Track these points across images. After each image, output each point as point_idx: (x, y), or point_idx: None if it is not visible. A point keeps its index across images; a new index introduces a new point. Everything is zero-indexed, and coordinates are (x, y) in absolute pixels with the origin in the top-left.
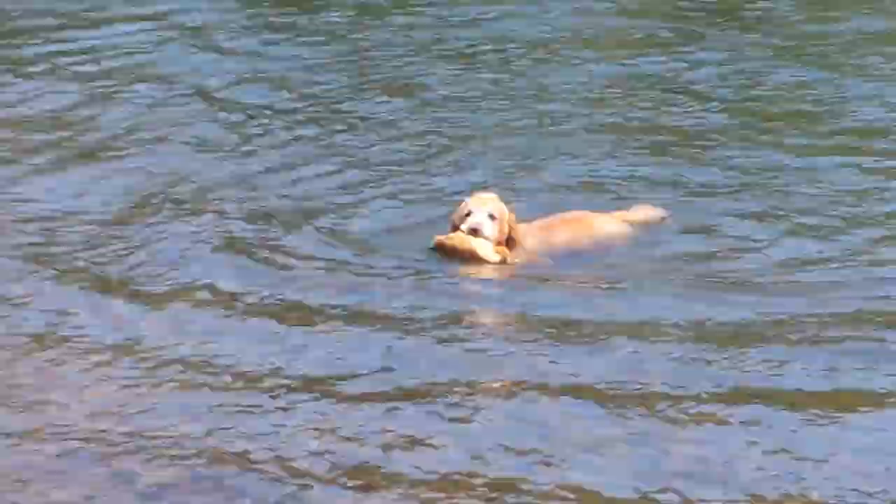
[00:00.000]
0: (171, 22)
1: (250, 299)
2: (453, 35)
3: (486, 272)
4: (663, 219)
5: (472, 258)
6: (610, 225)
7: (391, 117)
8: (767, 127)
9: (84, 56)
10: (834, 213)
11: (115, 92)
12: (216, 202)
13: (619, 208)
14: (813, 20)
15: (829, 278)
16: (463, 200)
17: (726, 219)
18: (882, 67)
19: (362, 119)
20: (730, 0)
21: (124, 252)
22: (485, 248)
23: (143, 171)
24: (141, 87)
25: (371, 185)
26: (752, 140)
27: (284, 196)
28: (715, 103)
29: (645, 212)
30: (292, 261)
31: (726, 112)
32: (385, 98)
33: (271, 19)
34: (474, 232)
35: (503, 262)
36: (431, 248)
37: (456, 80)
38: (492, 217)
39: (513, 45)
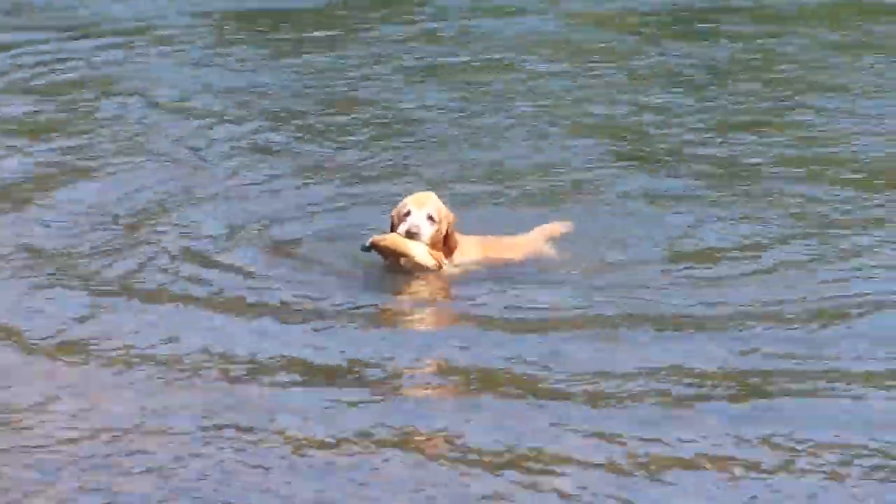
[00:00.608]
0: (137, 34)
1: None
2: (415, 50)
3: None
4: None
5: (405, 261)
6: (538, 245)
7: (351, 129)
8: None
9: (46, 67)
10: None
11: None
12: (172, 214)
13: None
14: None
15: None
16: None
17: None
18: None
19: (322, 131)
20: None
21: (85, 261)
22: (420, 253)
23: (103, 184)
24: (106, 100)
25: (329, 194)
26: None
27: (240, 206)
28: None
29: (556, 228)
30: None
31: (681, 124)
32: (344, 110)
33: (235, 36)
34: (411, 235)
35: (438, 268)
36: (367, 248)
37: (418, 96)
38: (430, 218)
39: (472, 59)
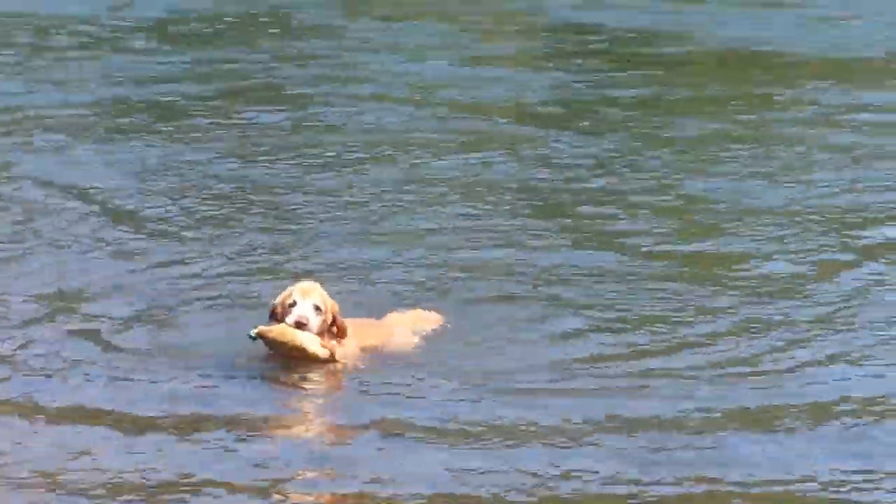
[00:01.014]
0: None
1: None
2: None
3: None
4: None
5: (298, 353)
6: (406, 332)
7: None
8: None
9: None
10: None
11: None
12: None
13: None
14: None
15: None
16: (285, 288)
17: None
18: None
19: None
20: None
21: None
22: (313, 343)
23: None
24: None
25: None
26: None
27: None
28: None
29: (426, 317)
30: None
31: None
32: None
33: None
34: (300, 325)
35: (331, 357)
36: (253, 338)
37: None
38: (317, 308)
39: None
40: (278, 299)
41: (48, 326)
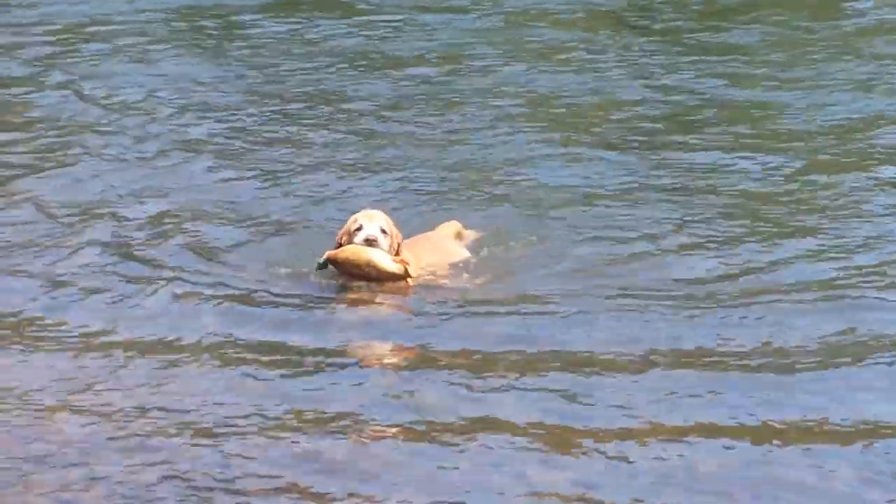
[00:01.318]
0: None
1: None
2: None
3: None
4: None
5: (369, 270)
6: (456, 246)
7: (303, 129)
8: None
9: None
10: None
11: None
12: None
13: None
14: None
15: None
16: (351, 217)
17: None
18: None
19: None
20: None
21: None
22: (384, 259)
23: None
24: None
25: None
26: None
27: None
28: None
29: (457, 227)
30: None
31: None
32: (300, 110)
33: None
34: (370, 243)
35: (405, 273)
36: (322, 265)
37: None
38: (383, 231)
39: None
40: (343, 228)
41: (118, 250)
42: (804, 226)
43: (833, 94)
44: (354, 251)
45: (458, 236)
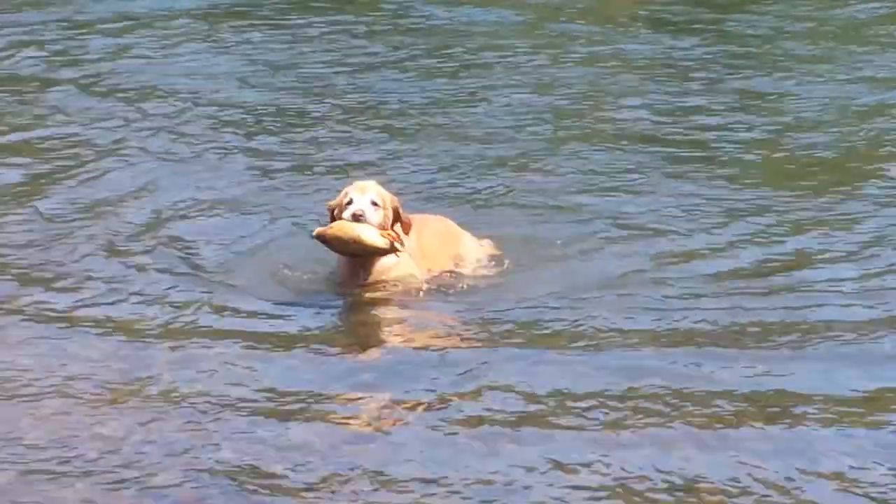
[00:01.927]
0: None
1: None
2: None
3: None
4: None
5: (356, 245)
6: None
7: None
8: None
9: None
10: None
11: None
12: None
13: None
14: None
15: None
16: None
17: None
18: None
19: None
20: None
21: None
22: (370, 234)
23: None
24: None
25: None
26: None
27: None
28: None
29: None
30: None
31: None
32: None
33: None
34: (357, 218)
35: (392, 248)
36: (313, 238)
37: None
38: (374, 204)
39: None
40: (335, 200)
41: (143, 241)
42: (841, 216)
43: (865, 82)
44: (341, 227)
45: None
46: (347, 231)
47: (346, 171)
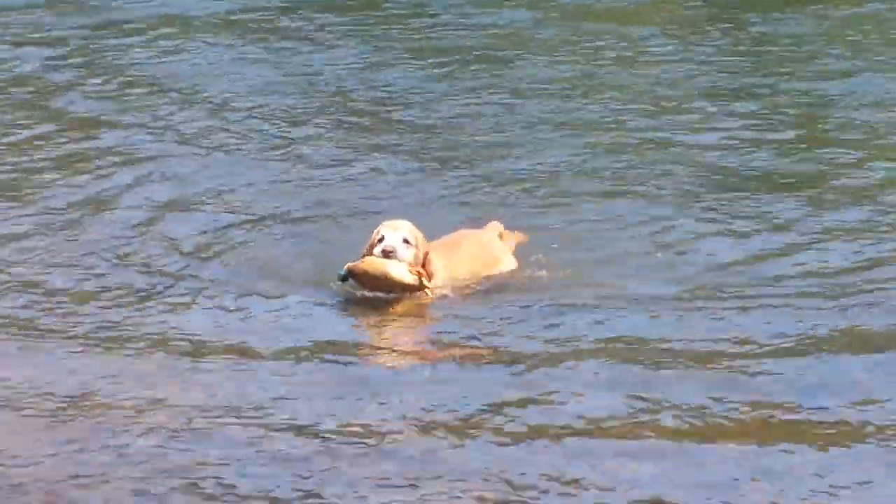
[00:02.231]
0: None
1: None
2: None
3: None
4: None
5: (386, 281)
6: (504, 252)
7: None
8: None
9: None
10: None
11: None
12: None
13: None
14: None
15: None
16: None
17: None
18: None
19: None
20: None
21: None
22: (399, 270)
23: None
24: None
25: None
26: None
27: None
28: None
29: (499, 229)
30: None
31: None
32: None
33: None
34: (387, 255)
35: (420, 285)
36: (343, 277)
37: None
38: (406, 241)
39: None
40: (368, 241)
41: (143, 241)
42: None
43: None
44: (371, 263)
45: (500, 238)
46: (377, 266)
47: (357, 179)
